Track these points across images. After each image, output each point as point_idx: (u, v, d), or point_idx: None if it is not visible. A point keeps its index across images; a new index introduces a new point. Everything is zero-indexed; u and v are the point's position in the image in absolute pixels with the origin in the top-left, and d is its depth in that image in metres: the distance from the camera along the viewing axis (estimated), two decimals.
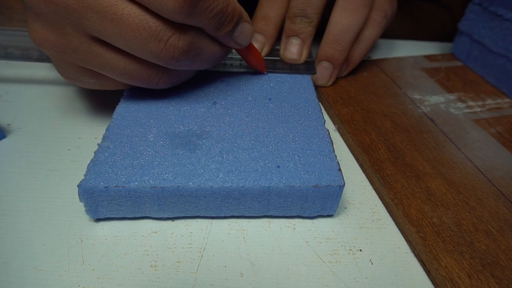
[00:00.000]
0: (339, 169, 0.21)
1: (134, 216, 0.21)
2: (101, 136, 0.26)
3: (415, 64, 0.35)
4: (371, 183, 0.24)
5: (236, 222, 0.21)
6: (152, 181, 0.20)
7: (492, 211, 0.21)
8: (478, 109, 0.30)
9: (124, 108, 0.24)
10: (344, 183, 0.20)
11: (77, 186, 0.19)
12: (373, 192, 0.24)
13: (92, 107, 0.29)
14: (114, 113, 0.24)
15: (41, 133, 0.27)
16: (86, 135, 0.27)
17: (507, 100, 0.31)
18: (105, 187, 0.19)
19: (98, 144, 0.22)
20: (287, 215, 0.21)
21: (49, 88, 0.31)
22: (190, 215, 0.21)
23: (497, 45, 0.32)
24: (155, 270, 0.19)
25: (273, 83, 0.28)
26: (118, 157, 0.21)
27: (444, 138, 0.26)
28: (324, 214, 0.22)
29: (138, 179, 0.20)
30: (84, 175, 0.20)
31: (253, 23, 0.29)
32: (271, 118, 0.25)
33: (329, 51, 0.29)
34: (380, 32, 0.30)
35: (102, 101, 0.30)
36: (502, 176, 0.24)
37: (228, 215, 0.21)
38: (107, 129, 0.23)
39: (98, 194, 0.19)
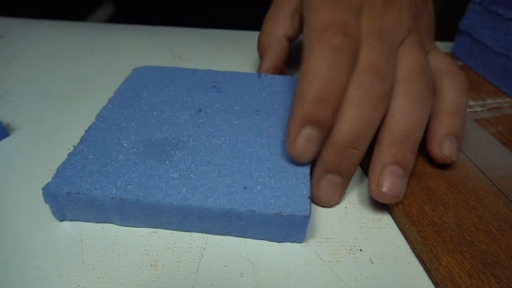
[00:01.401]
0: (309, 197, 0.19)
1: (97, 221, 0.21)
2: None
3: None
4: None
5: None
6: (114, 190, 0.19)
7: (493, 211, 0.21)
8: (479, 109, 0.30)
9: (108, 111, 0.24)
10: (310, 213, 0.19)
11: (42, 188, 0.19)
12: None
13: (92, 107, 0.29)
14: (98, 114, 0.24)
15: (41, 133, 0.27)
16: None
17: (507, 99, 0.31)
18: (67, 192, 0.19)
19: (73, 146, 0.22)
20: (251, 238, 0.20)
21: (49, 88, 0.31)
22: (152, 227, 0.21)
23: (498, 44, 0.32)
24: (155, 269, 0.19)
25: (266, 92, 0.27)
26: (88, 161, 0.21)
27: None
28: (291, 241, 0.20)
29: (101, 187, 0.19)
30: (52, 178, 0.20)
31: (301, 106, 0.20)
32: (253, 132, 0.23)
33: (396, 153, 0.21)
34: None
35: (102, 100, 0.30)
36: (503, 175, 0.24)
37: (190, 231, 0.21)
38: (86, 131, 0.23)
39: (61, 198, 0.19)
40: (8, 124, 0.27)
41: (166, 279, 0.18)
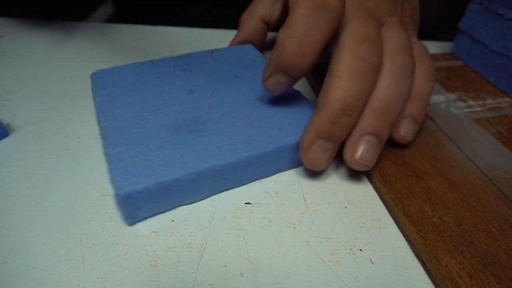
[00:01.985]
0: None
1: (169, 209, 0.21)
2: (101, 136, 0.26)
3: None
4: (371, 183, 0.24)
5: (236, 221, 0.21)
6: (184, 170, 0.20)
7: (493, 211, 0.21)
8: (479, 109, 0.30)
9: (107, 113, 0.24)
10: None
11: (115, 194, 0.19)
12: (373, 191, 0.24)
13: (92, 107, 0.29)
14: (101, 121, 0.23)
15: (41, 133, 0.27)
16: (86, 135, 0.27)
17: (507, 99, 0.31)
18: (144, 187, 0.19)
19: (106, 154, 0.21)
20: (296, 167, 0.25)
21: (49, 88, 0.31)
22: (219, 191, 0.23)
23: (498, 44, 0.32)
24: (155, 269, 0.19)
25: (229, 61, 0.30)
26: (136, 159, 0.21)
27: (444, 137, 0.26)
28: None
29: (171, 171, 0.20)
30: (114, 183, 0.19)
31: (321, 124, 0.21)
32: (247, 92, 0.26)
33: (376, 125, 0.22)
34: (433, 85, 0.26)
35: None
36: (503, 175, 0.24)
37: (251, 181, 0.24)
38: (104, 138, 0.22)
39: (137, 196, 0.19)
40: (8, 124, 0.27)
41: (166, 279, 0.18)
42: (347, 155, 0.22)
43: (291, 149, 0.23)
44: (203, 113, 0.24)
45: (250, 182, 0.24)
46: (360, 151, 0.22)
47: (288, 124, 0.24)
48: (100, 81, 0.27)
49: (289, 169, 0.25)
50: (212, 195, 0.23)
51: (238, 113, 0.24)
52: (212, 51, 0.31)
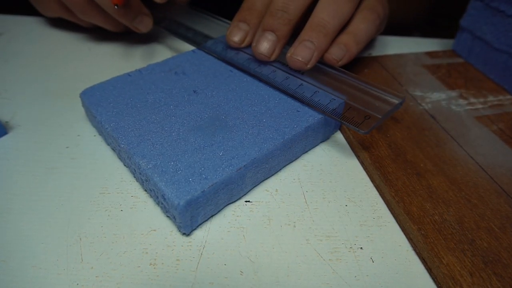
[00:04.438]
0: (335, 96, 0.25)
1: (219, 210, 0.21)
2: (99, 134, 0.26)
3: (416, 61, 0.35)
4: (372, 181, 0.24)
5: (236, 220, 0.21)
6: (232, 166, 0.20)
7: (494, 209, 0.21)
8: (480, 106, 0.30)
9: (120, 130, 0.23)
10: (344, 100, 0.25)
11: (174, 205, 0.19)
12: (374, 189, 0.24)
13: None
14: (118, 138, 0.22)
15: (40, 131, 0.27)
16: (85, 133, 0.26)
17: (508, 97, 0.31)
18: (201, 192, 0.19)
19: (139, 170, 0.21)
20: (316, 145, 0.26)
21: (48, 86, 0.31)
22: (257, 183, 0.23)
23: (499, 41, 0.32)
24: (154, 268, 0.19)
25: (214, 59, 0.30)
26: (177, 167, 0.20)
27: (445, 135, 0.26)
28: (335, 132, 0.28)
29: (221, 171, 0.20)
30: (168, 195, 0.19)
31: (239, 13, 0.30)
32: (249, 84, 0.27)
33: (312, 34, 0.27)
34: (374, 30, 0.30)
35: None
36: (504, 173, 0.23)
37: (282, 167, 0.24)
38: (133, 154, 0.21)
39: (196, 202, 0.19)
40: (6, 122, 0.27)
41: (166, 278, 0.18)
42: (287, 55, 0.27)
43: (315, 128, 0.24)
44: (219, 111, 0.24)
45: (281, 168, 0.24)
46: (300, 52, 0.26)
47: (303, 106, 0.25)
48: (93, 99, 0.25)
49: (312, 148, 0.26)
50: (252, 189, 0.23)
51: (252, 105, 0.25)
52: (193, 51, 0.30)
